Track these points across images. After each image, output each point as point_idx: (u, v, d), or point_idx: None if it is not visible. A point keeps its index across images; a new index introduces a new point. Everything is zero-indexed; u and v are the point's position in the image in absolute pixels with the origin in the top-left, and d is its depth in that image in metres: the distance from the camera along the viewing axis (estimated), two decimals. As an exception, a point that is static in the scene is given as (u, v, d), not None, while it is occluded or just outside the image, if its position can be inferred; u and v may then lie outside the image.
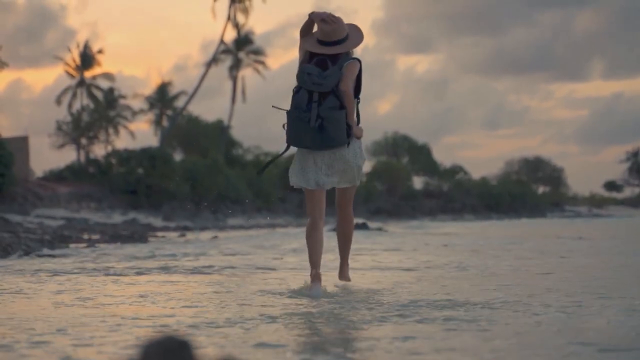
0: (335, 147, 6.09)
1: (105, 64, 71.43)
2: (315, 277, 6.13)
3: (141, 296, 6.26)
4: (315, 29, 6.37)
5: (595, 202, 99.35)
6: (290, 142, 6.14)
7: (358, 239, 16.17)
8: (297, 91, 6.08)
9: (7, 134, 41.98)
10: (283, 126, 6.15)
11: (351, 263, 7.17)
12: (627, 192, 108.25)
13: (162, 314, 5.21)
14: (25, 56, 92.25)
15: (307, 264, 6.41)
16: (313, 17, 6.29)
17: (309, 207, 6.37)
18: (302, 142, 6.09)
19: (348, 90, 6.04)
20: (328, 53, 6.15)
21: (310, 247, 6.27)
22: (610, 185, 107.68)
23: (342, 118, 6.01)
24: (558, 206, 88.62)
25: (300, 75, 6.08)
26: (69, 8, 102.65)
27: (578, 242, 16.39)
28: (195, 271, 8.81)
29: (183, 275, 8.31)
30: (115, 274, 8.39)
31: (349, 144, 6.16)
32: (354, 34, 6.30)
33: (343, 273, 6.81)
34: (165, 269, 9.08)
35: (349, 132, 6.11)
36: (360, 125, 6.31)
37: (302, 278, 6.76)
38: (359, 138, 6.28)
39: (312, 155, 6.19)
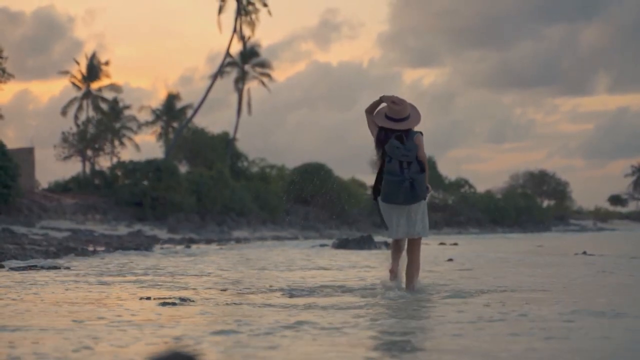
0: (419, 201, 7.80)
1: (112, 76, 71.36)
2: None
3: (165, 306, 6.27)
4: (380, 106, 8.02)
5: (600, 216, 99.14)
6: (385, 199, 7.83)
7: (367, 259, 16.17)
8: (389, 161, 7.75)
9: (13, 145, 42.06)
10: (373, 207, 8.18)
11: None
12: (632, 206, 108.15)
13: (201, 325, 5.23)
14: (32, 67, 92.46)
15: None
16: (384, 100, 7.93)
17: (392, 252, 8.25)
18: (396, 199, 7.77)
19: (423, 159, 7.81)
20: (399, 128, 7.84)
21: (393, 263, 8.19)
22: (615, 199, 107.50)
23: (424, 179, 7.79)
24: (563, 220, 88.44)
25: (391, 149, 7.75)
26: (77, 20, 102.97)
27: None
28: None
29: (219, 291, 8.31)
30: (127, 286, 8.41)
31: (424, 199, 7.90)
32: (414, 112, 7.95)
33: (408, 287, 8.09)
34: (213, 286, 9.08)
35: (427, 190, 7.91)
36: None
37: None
38: (430, 193, 8.00)
39: (396, 210, 7.85)
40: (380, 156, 7.98)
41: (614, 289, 8.39)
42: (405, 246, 8.17)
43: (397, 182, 7.70)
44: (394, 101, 7.87)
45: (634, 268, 12.52)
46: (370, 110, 8.10)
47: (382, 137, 7.92)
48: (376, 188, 8.01)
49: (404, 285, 8.01)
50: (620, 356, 4.33)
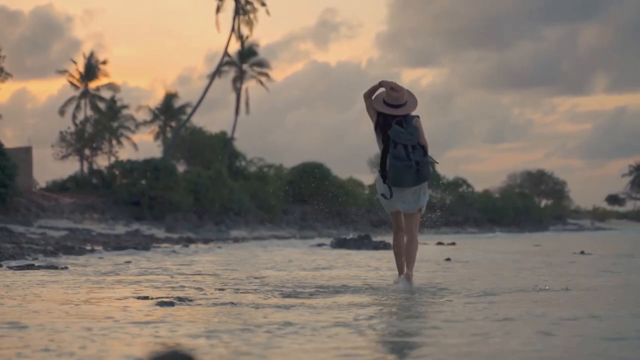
0: (423, 182, 8.17)
1: (111, 76, 71.30)
2: (403, 274, 8.35)
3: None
4: (378, 92, 8.32)
5: (598, 216, 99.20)
6: (393, 183, 8.13)
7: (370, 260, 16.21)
8: (394, 146, 8.06)
9: (11, 144, 42.04)
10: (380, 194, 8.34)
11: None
12: (630, 206, 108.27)
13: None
14: (31, 67, 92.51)
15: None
16: (384, 85, 8.26)
17: (394, 226, 8.50)
18: (404, 183, 8.12)
19: (425, 142, 8.17)
20: (399, 114, 8.16)
21: (396, 255, 8.52)
22: (613, 199, 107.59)
23: (428, 161, 8.16)
24: (561, 219, 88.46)
25: (395, 134, 8.07)
26: (75, 19, 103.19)
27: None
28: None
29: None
30: (126, 284, 8.40)
31: (429, 179, 8.29)
32: (411, 98, 8.27)
33: (408, 277, 8.40)
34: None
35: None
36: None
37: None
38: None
39: (401, 190, 8.17)
40: (380, 140, 8.30)
41: (619, 289, 8.36)
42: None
43: (405, 166, 8.04)
44: (393, 87, 8.20)
45: (634, 267, 12.53)
46: (368, 95, 8.38)
47: (381, 122, 8.26)
48: (383, 172, 8.25)
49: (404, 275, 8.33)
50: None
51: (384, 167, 8.25)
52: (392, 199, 8.25)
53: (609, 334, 4.94)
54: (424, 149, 8.12)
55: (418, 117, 8.28)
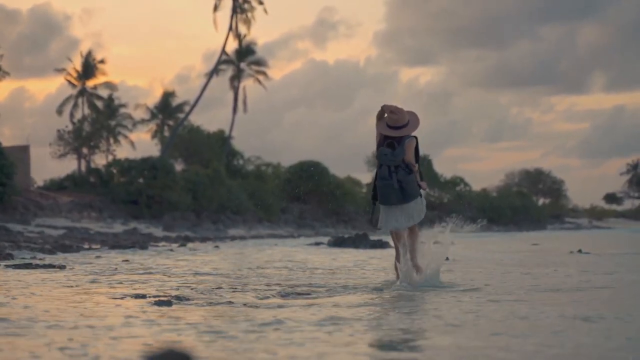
0: (411, 200, 8.57)
1: (109, 74, 71.20)
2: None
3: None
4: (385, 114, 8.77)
5: (596, 214, 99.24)
6: (381, 202, 8.68)
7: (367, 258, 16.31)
8: (380, 166, 8.63)
9: (9, 143, 41.93)
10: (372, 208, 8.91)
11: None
12: (627, 205, 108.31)
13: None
14: (29, 65, 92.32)
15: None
16: (385, 109, 8.74)
17: (394, 245, 8.96)
18: (389, 201, 8.61)
19: (410, 160, 8.59)
20: (395, 135, 8.61)
21: (397, 269, 8.82)
22: (611, 198, 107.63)
23: (413, 179, 8.60)
24: (558, 218, 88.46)
25: (380, 156, 8.64)
26: (74, 18, 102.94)
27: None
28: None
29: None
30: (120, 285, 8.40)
31: (420, 196, 8.69)
32: (413, 119, 8.72)
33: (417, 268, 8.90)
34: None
35: (420, 188, 8.66)
36: (423, 180, 8.78)
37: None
38: (425, 190, 8.77)
39: (393, 208, 8.61)
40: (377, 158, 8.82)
41: (628, 288, 8.35)
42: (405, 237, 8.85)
43: (388, 185, 8.58)
44: (392, 110, 8.69)
45: (638, 266, 12.55)
46: (379, 118, 8.86)
47: (381, 142, 8.74)
48: (374, 193, 8.81)
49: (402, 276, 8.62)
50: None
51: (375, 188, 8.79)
52: (385, 218, 8.70)
53: (631, 333, 4.92)
54: (408, 167, 8.56)
55: (413, 137, 8.70)
